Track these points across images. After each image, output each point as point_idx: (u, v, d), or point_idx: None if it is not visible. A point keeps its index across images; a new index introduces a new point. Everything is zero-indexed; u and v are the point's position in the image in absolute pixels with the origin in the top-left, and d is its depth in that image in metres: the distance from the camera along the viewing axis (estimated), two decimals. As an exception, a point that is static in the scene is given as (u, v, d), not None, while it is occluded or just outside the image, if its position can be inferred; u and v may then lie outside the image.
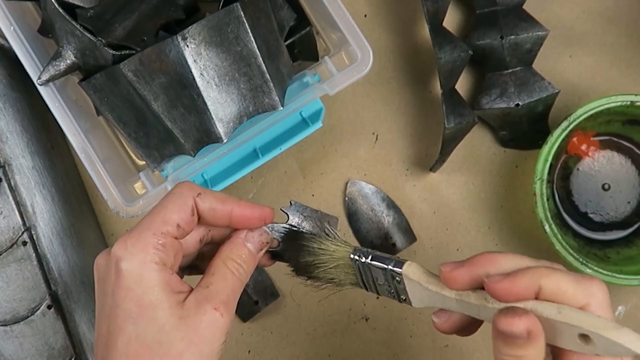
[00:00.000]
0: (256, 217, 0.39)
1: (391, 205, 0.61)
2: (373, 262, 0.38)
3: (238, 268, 0.38)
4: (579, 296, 0.32)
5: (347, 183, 0.61)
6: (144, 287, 0.35)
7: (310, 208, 0.42)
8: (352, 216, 0.61)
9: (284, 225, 0.41)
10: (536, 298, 0.33)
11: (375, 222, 0.61)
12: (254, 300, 0.60)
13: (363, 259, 0.39)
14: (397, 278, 0.37)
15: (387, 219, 0.61)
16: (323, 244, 0.40)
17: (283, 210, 0.41)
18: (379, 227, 0.61)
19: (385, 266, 0.38)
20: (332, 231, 0.41)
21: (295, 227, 0.41)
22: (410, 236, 0.61)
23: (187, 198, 0.38)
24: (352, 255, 0.39)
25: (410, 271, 0.37)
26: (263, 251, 0.40)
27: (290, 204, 0.41)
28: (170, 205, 0.37)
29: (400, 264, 0.37)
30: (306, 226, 0.41)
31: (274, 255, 0.42)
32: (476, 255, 0.35)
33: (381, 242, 0.61)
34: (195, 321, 0.35)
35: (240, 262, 0.39)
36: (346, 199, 0.61)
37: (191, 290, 0.37)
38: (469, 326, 0.38)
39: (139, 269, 0.35)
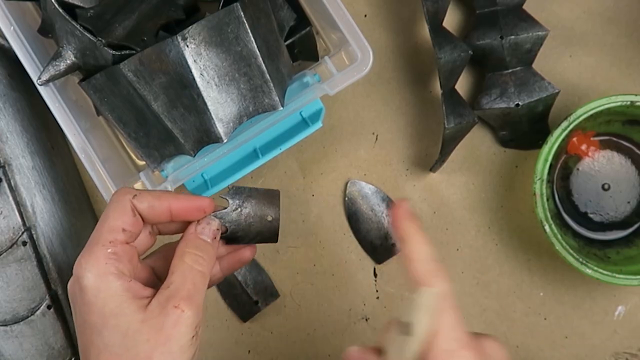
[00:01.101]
0: (195, 209, 0.41)
1: (391, 205, 0.61)
2: None
3: (197, 259, 0.39)
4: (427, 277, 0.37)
5: (347, 183, 0.61)
6: (103, 298, 0.36)
7: (250, 187, 0.43)
8: (352, 216, 0.61)
9: (225, 210, 0.43)
10: None
11: (375, 222, 0.61)
12: (254, 300, 0.60)
13: None
14: None
15: (387, 219, 0.61)
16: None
17: (222, 197, 0.43)
18: (379, 227, 0.61)
19: None
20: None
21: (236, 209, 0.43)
22: (410, 236, 0.61)
23: (124, 202, 0.39)
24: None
25: None
26: (217, 238, 0.42)
27: (229, 188, 0.43)
28: (111, 214, 0.39)
29: None
30: (248, 206, 0.43)
31: (229, 240, 0.44)
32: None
33: (381, 242, 0.61)
34: (158, 322, 0.36)
35: (197, 252, 0.40)
36: (346, 199, 0.61)
37: (155, 294, 0.38)
38: None
39: (95, 282, 0.37)
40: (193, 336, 0.37)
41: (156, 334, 0.36)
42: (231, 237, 0.43)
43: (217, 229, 0.42)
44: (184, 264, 0.39)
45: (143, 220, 0.40)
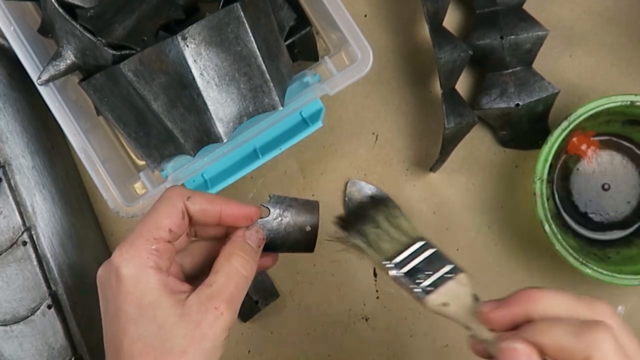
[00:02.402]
0: (243, 216, 0.41)
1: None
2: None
3: (244, 263, 0.40)
4: (578, 352, 0.31)
5: (347, 183, 0.61)
6: (142, 289, 0.37)
7: (290, 197, 0.44)
8: (352, 216, 0.61)
9: (267, 219, 0.43)
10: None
11: (375, 222, 0.61)
12: (254, 300, 0.60)
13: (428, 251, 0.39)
14: (446, 273, 0.38)
15: (387, 219, 0.61)
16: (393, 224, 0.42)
17: (263, 206, 0.43)
18: (379, 227, 0.61)
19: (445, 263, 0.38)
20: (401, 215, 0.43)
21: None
22: (410, 236, 0.61)
23: (177, 202, 0.39)
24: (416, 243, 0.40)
25: (466, 280, 0.37)
26: (261, 247, 0.42)
27: (270, 197, 0.44)
28: (161, 210, 0.39)
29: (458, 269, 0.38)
30: (288, 216, 0.44)
31: (266, 248, 0.44)
32: (517, 292, 0.35)
33: (381, 242, 0.61)
34: (196, 319, 0.37)
35: (245, 256, 0.40)
36: (346, 199, 0.61)
37: (193, 289, 0.38)
38: None
39: (135, 273, 0.37)
40: (226, 337, 0.38)
41: (193, 330, 0.36)
42: (270, 245, 0.44)
43: (263, 239, 0.42)
44: (231, 265, 0.39)
45: (191, 221, 0.40)
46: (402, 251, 0.40)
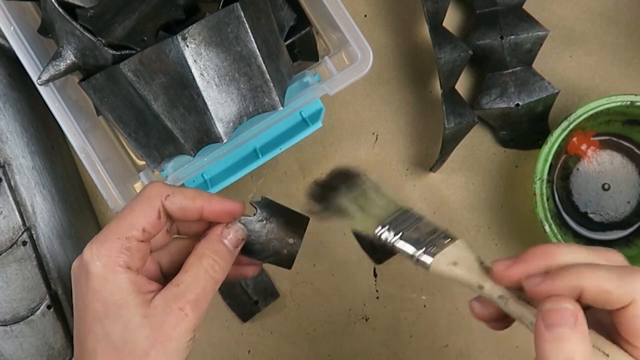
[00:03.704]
0: (226, 212, 0.40)
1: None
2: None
3: (214, 265, 0.38)
4: (623, 296, 0.31)
5: (347, 183, 0.61)
6: (109, 288, 0.36)
7: (281, 205, 0.42)
8: (352, 216, 0.61)
9: (251, 218, 0.41)
10: (579, 300, 0.31)
11: (375, 222, 0.61)
12: (254, 300, 0.60)
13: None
14: (445, 238, 0.36)
15: (387, 219, 0.61)
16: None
17: (252, 203, 0.42)
18: (379, 227, 0.61)
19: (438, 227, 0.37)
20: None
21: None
22: (410, 236, 0.61)
23: (154, 201, 0.38)
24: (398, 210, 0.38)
25: (464, 245, 0.36)
26: (239, 248, 0.41)
27: (261, 199, 0.42)
28: (138, 209, 0.38)
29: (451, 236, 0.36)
30: (274, 222, 0.42)
31: (243, 250, 0.42)
32: (531, 249, 0.34)
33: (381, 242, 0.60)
34: (159, 320, 0.36)
35: (216, 258, 0.39)
36: (346, 199, 0.61)
37: (161, 289, 0.38)
38: (505, 319, 0.36)
39: (104, 271, 0.36)
40: (190, 339, 0.37)
41: (155, 331, 0.36)
42: (248, 248, 0.42)
43: (242, 239, 0.41)
44: (201, 266, 0.38)
45: (170, 217, 0.40)
46: (392, 217, 0.38)
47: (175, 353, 0.36)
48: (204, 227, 0.42)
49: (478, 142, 0.62)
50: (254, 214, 0.42)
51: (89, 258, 0.37)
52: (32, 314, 0.50)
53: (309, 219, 0.43)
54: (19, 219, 0.51)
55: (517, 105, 0.58)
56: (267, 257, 0.42)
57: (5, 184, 0.51)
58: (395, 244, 0.37)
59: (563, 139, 0.54)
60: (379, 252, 0.61)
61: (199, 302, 0.37)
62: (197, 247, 0.39)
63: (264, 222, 0.42)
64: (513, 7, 0.59)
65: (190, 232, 0.42)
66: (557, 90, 0.58)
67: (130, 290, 0.36)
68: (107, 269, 0.36)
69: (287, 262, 0.43)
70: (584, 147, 0.59)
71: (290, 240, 0.42)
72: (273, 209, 0.42)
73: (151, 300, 0.37)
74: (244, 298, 0.60)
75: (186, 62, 0.44)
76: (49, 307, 0.51)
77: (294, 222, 0.42)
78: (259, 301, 0.60)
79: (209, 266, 0.38)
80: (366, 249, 0.61)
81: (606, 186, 0.59)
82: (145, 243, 0.38)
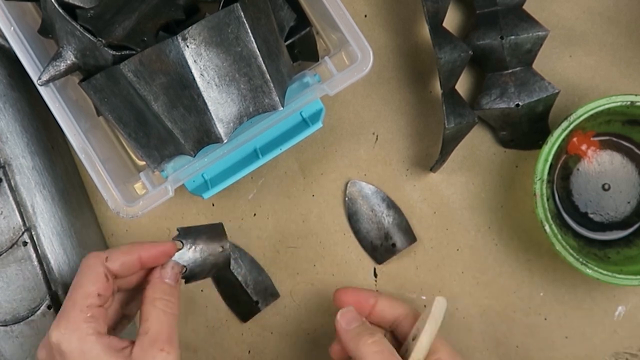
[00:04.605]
0: (162, 254, 0.44)
1: (391, 205, 0.61)
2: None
3: (167, 304, 0.42)
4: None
5: (347, 183, 0.61)
6: (88, 358, 0.39)
7: (196, 226, 0.47)
8: (352, 216, 0.61)
9: (183, 250, 0.46)
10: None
11: (376, 223, 0.61)
12: (254, 300, 0.60)
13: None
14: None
15: (387, 219, 0.61)
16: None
17: (175, 239, 0.46)
18: (379, 227, 0.61)
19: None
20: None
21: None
22: (410, 236, 0.61)
23: (97, 267, 0.42)
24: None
25: None
26: (179, 280, 0.45)
27: (178, 231, 0.46)
28: (85, 280, 0.41)
29: None
30: (200, 242, 0.47)
31: (188, 278, 0.46)
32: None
33: (381, 243, 0.61)
34: None
35: (165, 297, 0.43)
36: (346, 199, 0.61)
37: (133, 342, 0.40)
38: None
39: (78, 345, 0.39)
40: None
41: None
42: (190, 275, 0.46)
43: (180, 272, 0.45)
44: (157, 309, 0.42)
45: (116, 277, 0.43)
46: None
47: None
48: (142, 278, 0.46)
49: (478, 142, 0.62)
50: (182, 247, 0.46)
51: (60, 338, 0.39)
52: (32, 314, 0.50)
53: (222, 223, 0.48)
54: (19, 219, 0.51)
55: (517, 105, 0.58)
56: (209, 272, 0.47)
57: (5, 184, 0.51)
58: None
59: (563, 139, 0.54)
60: (379, 252, 0.61)
61: (172, 338, 0.41)
62: (146, 294, 0.43)
63: (194, 247, 0.46)
64: (513, 7, 0.59)
65: (131, 287, 0.46)
66: (557, 91, 0.58)
67: (108, 353, 0.39)
68: (81, 342, 0.39)
69: (226, 265, 0.48)
70: (584, 147, 0.59)
71: (220, 249, 0.47)
72: (193, 233, 0.47)
73: (130, 355, 0.39)
74: (244, 298, 0.60)
75: (186, 62, 0.44)
76: (49, 307, 0.51)
77: (214, 233, 0.47)
78: (259, 301, 0.60)
79: (163, 306, 0.42)
80: (366, 249, 0.61)
81: (606, 186, 0.59)
82: (103, 307, 0.41)
